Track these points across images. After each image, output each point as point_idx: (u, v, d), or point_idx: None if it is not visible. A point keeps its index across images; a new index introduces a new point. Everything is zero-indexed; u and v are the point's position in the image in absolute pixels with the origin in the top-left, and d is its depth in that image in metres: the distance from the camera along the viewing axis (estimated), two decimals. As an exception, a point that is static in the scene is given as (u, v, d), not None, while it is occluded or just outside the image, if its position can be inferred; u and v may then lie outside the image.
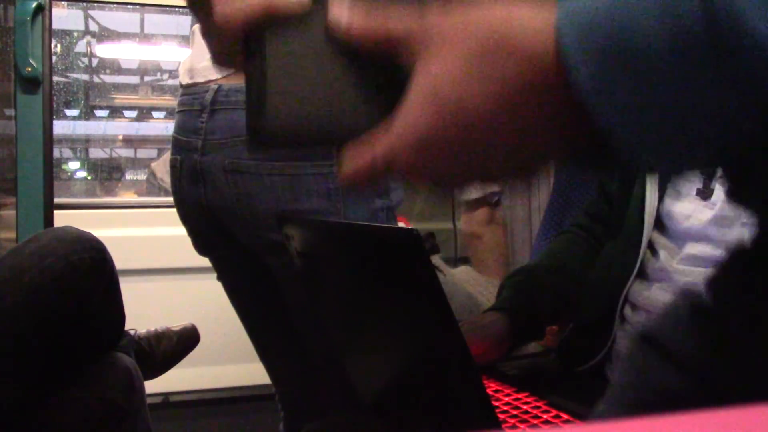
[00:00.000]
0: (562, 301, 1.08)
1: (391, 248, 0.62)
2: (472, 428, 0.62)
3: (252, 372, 2.14)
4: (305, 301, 1.17)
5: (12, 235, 1.85)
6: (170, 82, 3.81)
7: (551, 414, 0.77)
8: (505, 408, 0.80)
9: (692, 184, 0.90)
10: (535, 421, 0.75)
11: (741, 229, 0.82)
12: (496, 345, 0.98)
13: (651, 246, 0.94)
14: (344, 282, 0.77)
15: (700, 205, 0.89)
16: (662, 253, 0.92)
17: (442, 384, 0.67)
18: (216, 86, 1.20)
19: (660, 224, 0.94)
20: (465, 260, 2.50)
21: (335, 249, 0.76)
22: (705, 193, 0.88)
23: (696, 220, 0.88)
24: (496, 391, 0.87)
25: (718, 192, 0.86)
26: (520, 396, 0.84)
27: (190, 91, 1.24)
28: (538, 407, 0.80)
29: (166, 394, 2.08)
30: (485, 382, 0.91)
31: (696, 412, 0.22)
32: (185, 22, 3.25)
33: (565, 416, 0.76)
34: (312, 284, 0.86)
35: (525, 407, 0.80)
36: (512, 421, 0.76)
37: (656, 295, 0.91)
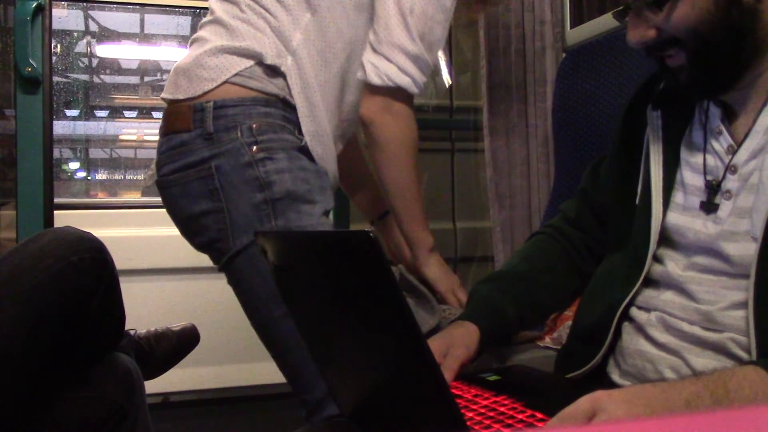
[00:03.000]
0: (528, 309, 1.09)
1: (350, 251, 0.62)
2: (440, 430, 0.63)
3: (252, 372, 2.14)
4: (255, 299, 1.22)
5: (12, 235, 1.85)
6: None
7: (526, 414, 0.78)
8: (482, 410, 0.80)
9: (696, 197, 0.91)
10: (510, 422, 0.76)
11: (747, 244, 0.82)
12: (465, 353, 0.99)
13: (656, 257, 0.94)
14: (314, 289, 0.78)
15: (705, 220, 0.89)
16: (669, 264, 0.92)
17: (407, 385, 0.68)
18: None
19: (665, 237, 0.94)
20: (465, 260, 2.50)
21: (303, 258, 0.77)
22: (709, 208, 0.88)
23: (703, 234, 0.88)
24: (476, 395, 0.87)
25: (726, 207, 0.86)
26: (498, 399, 0.84)
27: None
28: (514, 408, 0.80)
29: (166, 394, 2.08)
30: (466, 387, 0.91)
31: (693, 414, 0.22)
32: (185, 22, 3.25)
33: (540, 415, 0.77)
34: (288, 294, 0.87)
35: (502, 409, 0.80)
36: (488, 422, 0.76)
37: (668, 298, 0.91)
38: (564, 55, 1.93)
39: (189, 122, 1.20)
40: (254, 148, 1.18)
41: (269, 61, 1.22)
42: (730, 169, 0.87)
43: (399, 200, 1.34)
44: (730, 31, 0.82)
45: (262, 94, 1.22)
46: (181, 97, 1.22)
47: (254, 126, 1.19)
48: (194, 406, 2.16)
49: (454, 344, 0.99)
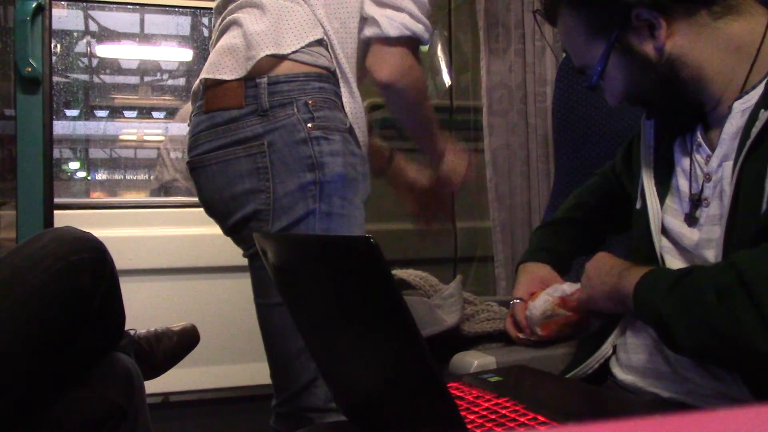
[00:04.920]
0: (579, 246, 1.25)
1: (350, 256, 0.63)
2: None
3: (252, 372, 2.14)
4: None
5: (12, 235, 1.85)
6: (170, 82, 3.81)
7: (528, 417, 0.77)
8: (484, 413, 0.80)
9: (687, 204, 0.93)
10: (512, 425, 0.75)
11: (718, 250, 0.84)
12: (547, 273, 1.16)
13: (662, 258, 0.96)
14: (315, 292, 0.78)
15: (691, 227, 0.92)
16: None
17: (407, 387, 0.68)
18: None
19: (666, 239, 0.96)
20: (465, 260, 2.50)
21: (304, 261, 0.77)
22: (691, 220, 0.91)
23: (690, 241, 0.91)
24: (477, 397, 0.86)
25: (704, 215, 0.89)
26: (499, 401, 0.84)
27: None
28: (516, 411, 0.80)
29: (166, 394, 2.08)
30: (467, 389, 0.91)
31: (690, 413, 0.22)
32: (185, 22, 3.25)
33: (542, 418, 0.76)
34: (289, 295, 0.87)
35: (503, 411, 0.80)
36: (489, 425, 0.76)
37: None
38: (564, 55, 1.93)
39: (240, 99, 1.18)
40: (310, 125, 1.17)
41: (309, 34, 1.21)
42: (706, 177, 0.89)
43: (424, 132, 1.38)
44: (657, 84, 0.90)
45: (315, 68, 1.21)
46: (227, 77, 1.20)
47: (310, 102, 1.18)
48: (194, 406, 2.16)
49: (544, 279, 1.15)
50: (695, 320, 0.76)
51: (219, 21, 1.32)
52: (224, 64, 1.21)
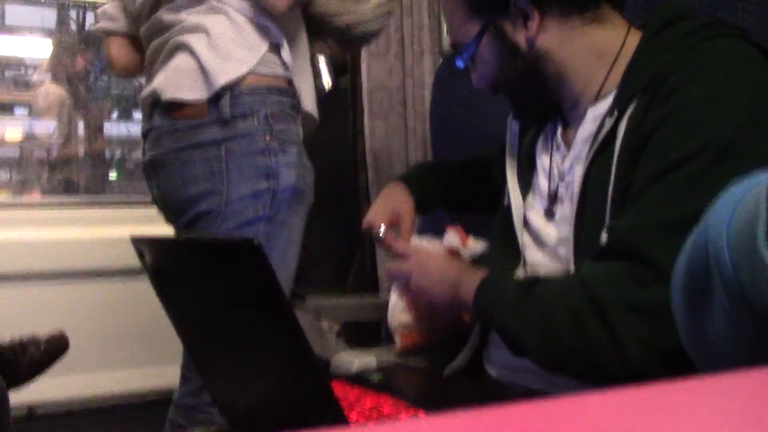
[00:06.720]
0: (451, 192, 1.23)
1: (234, 258, 0.62)
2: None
3: (126, 379, 2.06)
4: None
5: None
6: (36, 77, 3.62)
7: (410, 413, 0.79)
8: (366, 412, 0.81)
9: (542, 202, 0.97)
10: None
11: (569, 249, 0.88)
12: (412, 218, 1.12)
13: (526, 257, 0.99)
14: (197, 297, 0.77)
15: (549, 224, 0.96)
16: (539, 268, 0.97)
17: (292, 391, 0.68)
18: None
19: (529, 235, 1.00)
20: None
21: (185, 264, 0.76)
22: (549, 215, 0.95)
23: (547, 237, 0.95)
24: (359, 398, 0.87)
25: (558, 214, 0.93)
26: (381, 399, 0.84)
27: None
28: (397, 408, 0.81)
29: (32, 406, 1.97)
30: (350, 388, 0.92)
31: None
32: (51, 15, 3.10)
33: (423, 415, 0.78)
34: (169, 301, 0.85)
35: (385, 410, 0.81)
36: (371, 423, 0.76)
37: None
38: (441, 60, 1.98)
39: (204, 112, 1.22)
40: (268, 136, 1.21)
41: (259, 46, 1.23)
42: (561, 176, 0.94)
43: None
44: (522, 74, 0.93)
45: (274, 80, 1.25)
46: (188, 98, 1.21)
47: (269, 114, 1.22)
48: (63, 417, 2.06)
49: (401, 211, 1.12)
50: (549, 340, 0.80)
51: (156, 38, 1.29)
52: (183, 84, 1.22)
